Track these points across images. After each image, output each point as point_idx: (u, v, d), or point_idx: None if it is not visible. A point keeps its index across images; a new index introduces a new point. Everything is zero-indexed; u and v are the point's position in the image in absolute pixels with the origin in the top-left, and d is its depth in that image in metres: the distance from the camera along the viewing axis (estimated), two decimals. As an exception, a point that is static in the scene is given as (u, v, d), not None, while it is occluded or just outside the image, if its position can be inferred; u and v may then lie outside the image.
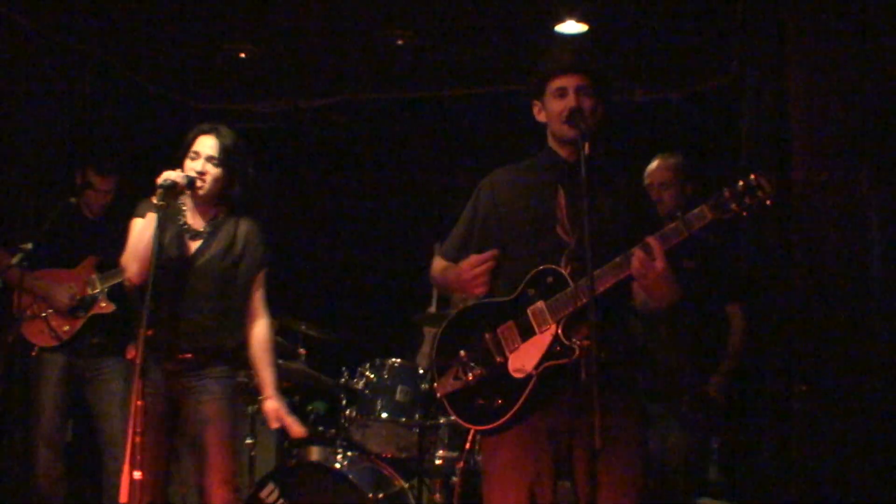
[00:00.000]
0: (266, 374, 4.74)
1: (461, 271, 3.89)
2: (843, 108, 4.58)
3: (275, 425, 4.78)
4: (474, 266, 3.83)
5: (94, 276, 5.87)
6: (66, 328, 5.86)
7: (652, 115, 7.53)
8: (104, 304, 5.85)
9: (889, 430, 4.30)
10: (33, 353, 5.91)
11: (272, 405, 4.71)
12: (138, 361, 4.21)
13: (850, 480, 4.32)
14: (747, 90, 6.37)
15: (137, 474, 4.14)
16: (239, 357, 4.76)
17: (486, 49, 7.10)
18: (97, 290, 5.82)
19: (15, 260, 5.22)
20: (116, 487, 4.25)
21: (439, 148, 8.16)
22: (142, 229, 4.56)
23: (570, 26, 6.59)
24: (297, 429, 4.76)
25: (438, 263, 4.16)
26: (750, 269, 5.79)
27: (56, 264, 5.95)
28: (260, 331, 4.78)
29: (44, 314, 5.85)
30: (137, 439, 4.16)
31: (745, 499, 5.38)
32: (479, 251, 3.94)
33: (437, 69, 7.56)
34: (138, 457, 4.14)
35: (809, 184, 4.51)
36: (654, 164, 5.65)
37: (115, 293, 5.80)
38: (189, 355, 4.64)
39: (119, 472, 4.23)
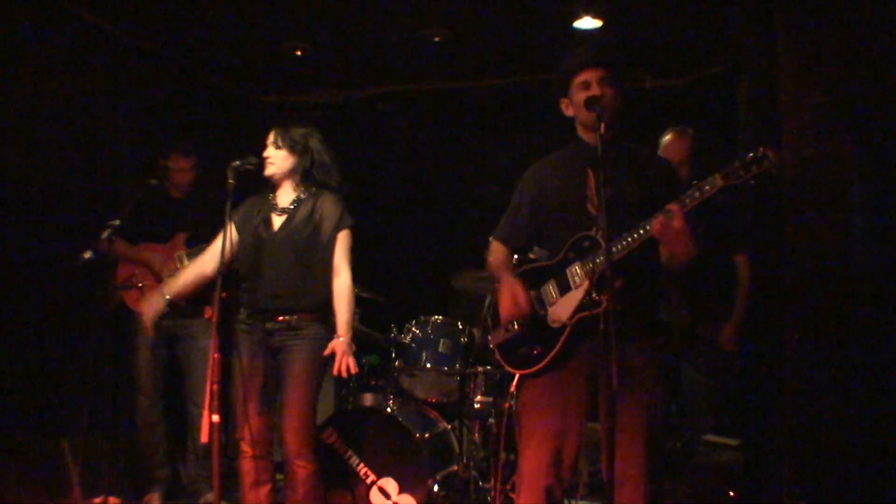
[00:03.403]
0: (338, 318, 4.80)
1: (512, 295, 3.91)
2: (828, 91, 4.58)
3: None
4: (518, 302, 3.89)
5: (181, 252, 5.98)
6: None
7: (660, 99, 7.52)
8: None
9: (863, 371, 4.33)
10: (135, 317, 5.98)
11: (334, 343, 4.77)
12: (214, 320, 4.33)
13: (833, 419, 4.36)
14: (743, 76, 6.36)
15: (215, 417, 4.25)
16: (329, 314, 4.85)
17: (511, 44, 7.10)
18: (184, 264, 5.94)
19: (105, 235, 5.27)
20: (198, 429, 4.36)
21: (471, 130, 8.17)
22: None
23: (587, 22, 6.58)
24: (343, 369, 4.76)
25: (496, 253, 4.20)
26: (753, 223, 5.77)
27: (151, 240, 6.08)
28: (338, 284, 4.84)
29: (140, 284, 5.96)
30: (215, 387, 4.27)
31: (745, 436, 5.39)
32: (529, 230, 4.09)
33: (469, 63, 7.56)
34: (215, 402, 4.26)
35: (798, 158, 4.52)
36: (667, 138, 5.58)
37: None
38: (283, 317, 4.78)
39: (200, 416, 4.35)
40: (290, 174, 4.92)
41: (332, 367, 4.75)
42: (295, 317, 4.78)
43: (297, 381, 4.78)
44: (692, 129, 5.65)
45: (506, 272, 4.06)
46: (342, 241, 4.90)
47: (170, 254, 6.06)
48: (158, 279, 5.93)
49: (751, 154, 3.52)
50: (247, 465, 4.79)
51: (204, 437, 4.26)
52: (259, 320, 4.83)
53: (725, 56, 6.92)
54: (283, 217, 4.90)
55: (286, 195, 4.96)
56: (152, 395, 6.06)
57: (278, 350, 4.80)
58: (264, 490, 4.83)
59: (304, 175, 4.93)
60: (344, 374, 4.78)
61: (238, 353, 4.81)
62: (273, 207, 4.95)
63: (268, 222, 4.91)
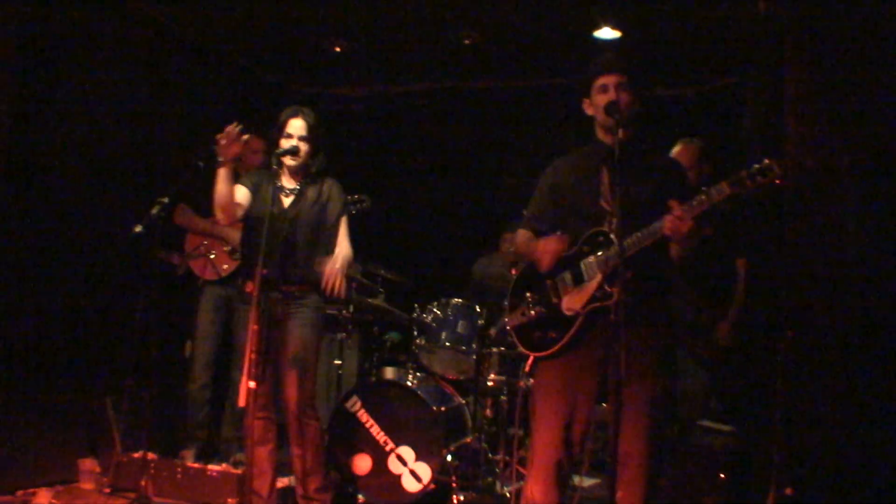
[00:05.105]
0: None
1: (539, 250, 3.94)
2: (829, 107, 4.57)
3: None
4: (546, 250, 3.91)
5: None
6: (226, 267, 6.04)
7: (670, 108, 7.49)
8: None
9: (852, 367, 4.34)
10: (199, 283, 6.06)
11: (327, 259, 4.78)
12: (255, 294, 4.33)
13: (822, 412, 4.37)
14: (748, 90, 6.34)
15: (252, 384, 4.27)
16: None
17: (535, 50, 7.10)
18: None
19: (154, 210, 5.26)
20: (237, 394, 4.37)
21: (496, 125, 8.16)
22: (217, 185, 4.71)
23: (606, 32, 6.59)
24: (330, 285, 4.70)
25: (523, 235, 4.19)
26: (755, 231, 5.76)
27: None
28: (339, 251, 4.86)
29: (210, 255, 6.01)
30: (253, 356, 4.28)
31: (739, 424, 5.39)
32: (550, 220, 4.04)
33: (496, 65, 7.57)
34: (254, 370, 4.27)
35: (799, 169, 4.51)
36: (677, 149, 5.60)
37: None
38: (291, 287, 4.79)
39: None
40: (305, 163, 4.92)
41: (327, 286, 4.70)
42: (303, 287, 4.83)
43: (302, 344, 4.82)
44: (699, 140, 5.66)
45: (534, 241, 4.07)
46: (345, 224, 4.98)
47: (236, 228, 6.03)
48: (233, 252, 5.95)
49: (756, 165, 3.52)
50: (253, 425, 4.76)
51: (241, 402, 4.28)
52: (265, 291, 4.81)
53: (735, 69, 6.91)
54: (292, 197, 4.91)
55: (292, 177, 4.96)
56: (206, 359, 6.09)
57: (281, 318, 4.83)
58: (267, 448, 4.89)
59: (312, 161, 4.95)
60: (328, 288, 4.72)
61: (242, 322, 4.76)
62: (280, 188, 4.92)
63: (277, 200, 4.87)
